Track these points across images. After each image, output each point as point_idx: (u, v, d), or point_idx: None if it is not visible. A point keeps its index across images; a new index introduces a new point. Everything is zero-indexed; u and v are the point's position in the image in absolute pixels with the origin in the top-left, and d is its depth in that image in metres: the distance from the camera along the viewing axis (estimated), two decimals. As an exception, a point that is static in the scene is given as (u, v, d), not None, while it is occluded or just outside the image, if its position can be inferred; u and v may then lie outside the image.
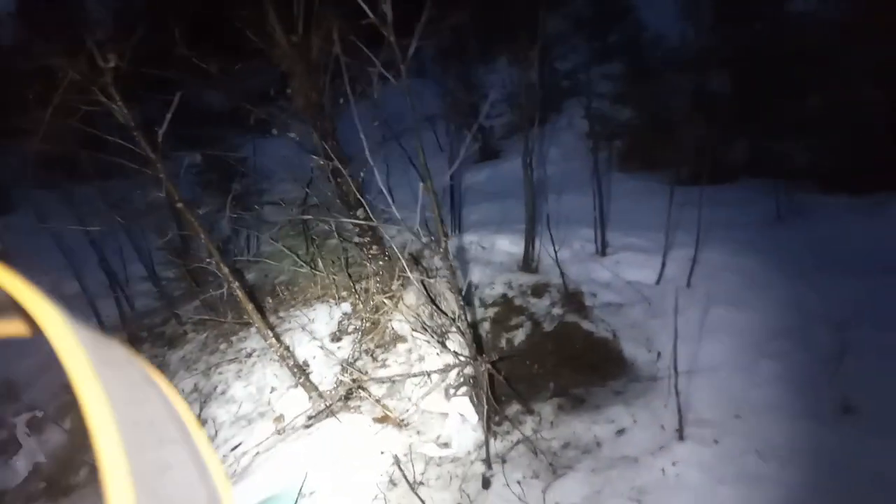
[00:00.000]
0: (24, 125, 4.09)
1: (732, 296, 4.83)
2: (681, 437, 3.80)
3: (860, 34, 7.03)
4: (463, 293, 4.02)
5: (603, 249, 5.77)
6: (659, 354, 4.58)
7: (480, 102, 10.33)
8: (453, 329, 4.41)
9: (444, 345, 4.47)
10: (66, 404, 5.80)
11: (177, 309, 6.69)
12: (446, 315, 4.30)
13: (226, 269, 4.11)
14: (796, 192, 6.11)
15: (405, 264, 3.98)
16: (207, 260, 4.30)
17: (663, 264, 5.20)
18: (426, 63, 11.43)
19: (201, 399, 5.44)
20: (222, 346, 6.01)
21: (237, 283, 4.19)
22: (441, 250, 3.73)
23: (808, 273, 4.82)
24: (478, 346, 4.26)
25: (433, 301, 4.46)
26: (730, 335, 4.48)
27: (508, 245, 6.11)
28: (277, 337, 4.78)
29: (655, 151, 8.31)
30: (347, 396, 4.90)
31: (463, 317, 3.98)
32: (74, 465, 5.27)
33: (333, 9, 5.34)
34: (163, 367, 6.02)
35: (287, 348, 4.85)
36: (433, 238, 4.02)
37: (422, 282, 4.25)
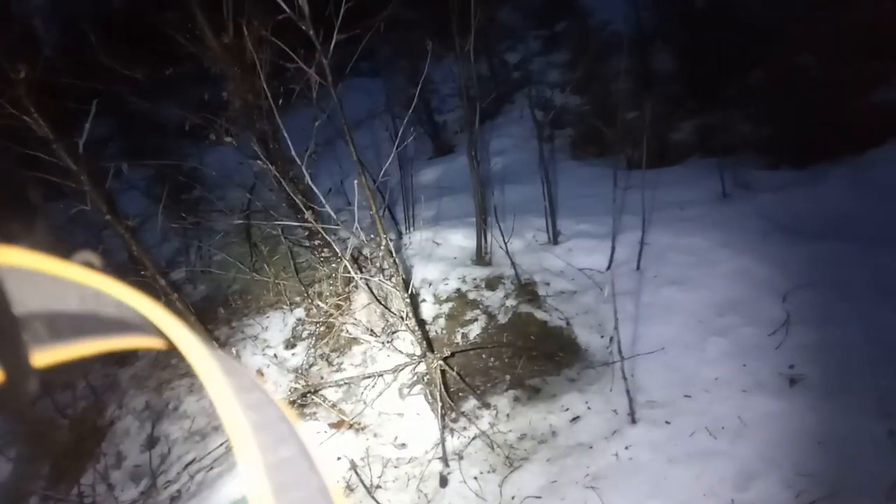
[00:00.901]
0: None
1: (681, 275, 4.85)
2: (633, 421, 3.80)
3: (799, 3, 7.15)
4: (409, 290, 3.95)
5: (555, 238, 5.75)
6: (611, 339, 4.57)
7: (432, 97, 10.27)
8: (402, 327, 4.34)
9: (392, 344, 4.40)
10: (18, 432, 5.58)
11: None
12: (394, 314, 4.22)
13: (162, 282, 3.99)
14: (742, 168, 6.17)
15: (348, 265, 3.90)
16: (142, 272, 4.17)
17: (613, 249, 5.20)
18: (379, 61, 11.32)
19: (153, 417, 5.27)
20: (174, 361, 5.83)
21: (176, 295, 4.05)
22: (382, 248, 3.66)
23: (754, 246, 4.86)
24: (428, 342, 4.20)
25: (379, 301, 4.38)
26: (679, 314, 4.49)
27: (462, 239, 6.06)
28: (222, 347, 4.65)
29: (606, 137, 8.35)
30: (303, 404, 4.80)
31: (411, 314, 3.92)
32: (25, 495, 5.07)
33: (264, 7, 5.23)
34: (113, 386, 5.84)
35: (238, 359, 4.72)
36: (374, 236, 3.95)
37: (366, 282, 4.16)
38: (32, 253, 0.43)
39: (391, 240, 6.03)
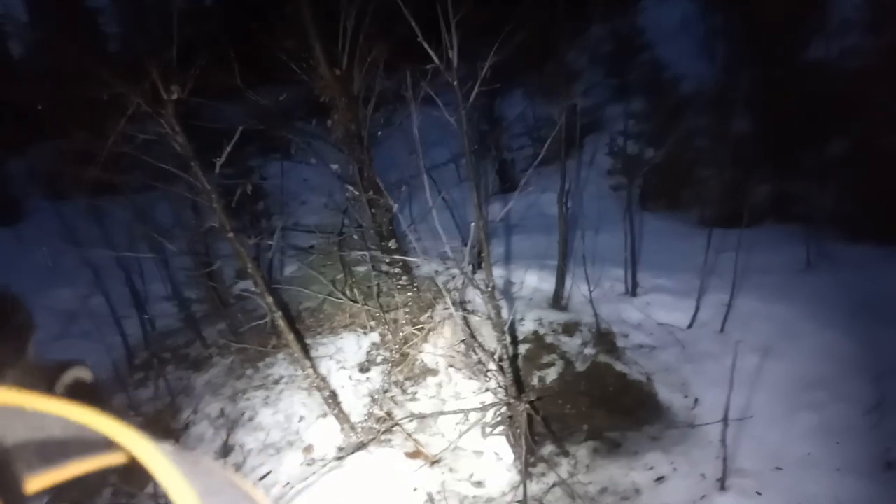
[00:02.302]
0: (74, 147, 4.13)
1: (766, 343, 4.84)
2: (723, 488, 3.79)
3: (882, 81, 7.17)
4: (505, 331, 4.04)
5: (633, 290, 5.79)
6: (696, 401, 4.58)
7: (502, 135, 10.46)
8: (492, 366, 4.41)
9: (485, 382, 4.48)
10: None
11: (201, 331, 6.68)
12: (487, 352, 4.31)
13: (270, 299, 4.14)
14: (822, 238, 6.17)
15: (449, 300, 4.00)
16: (247, 289, 4.33)
17: (697, 308, 5.23)
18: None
19: (228, 425, 5.41)
20: (248, 372, 5.99)
21: (280, 314, 4.20)
22: (488, 289, 3.76)
23: (841, 322, 4.85)
24: (518, 384, 4.26)
25: (474, 337, 4.47)
26: (765, 384, 4.49)
27: (537, 281, 6.13)
28: (315, 366, 4.78)
29: (679, 191, 8.40)
30: (378, 430, 4.88)
31: (505, 355, 4.00)
32: (99, 486, 5.22)
33: (379, 41, 5.47)
34: (188, 390, 6.00)
35: (323, 378, 4.84)
36: (471, 273, 4.06)
37: (464, 318, 4.26)
38: (16, 388, 0.48)
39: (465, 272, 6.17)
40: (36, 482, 0.44)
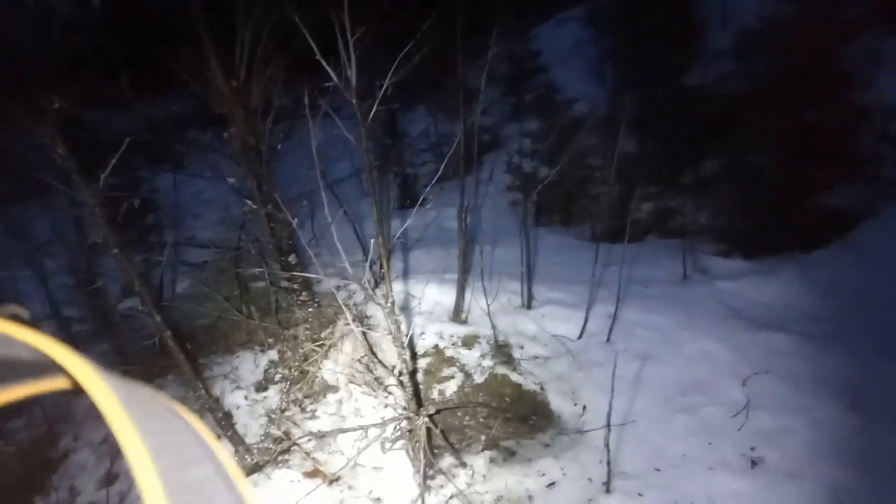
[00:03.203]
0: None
1: (647, 351, 5.19)
2: (608, 490, 4.02)
3: (755, 106, 7.93)
4: (405, 347, 4.09)
5: (529, 303, 6.02)
6: (584, 408, 4.82)
7: (405, 151, 10.57)
8: (391, 381, 4.44)
9: (384, 397, 4.50)
10: None
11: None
12: (387, 368, 4.33)
13: (158, 318, 3.96)
14: (699, 253, 6.71)
15: (348, 315, 4.00)
16: (135, 307, 4.11)
17: (586, 319, 5.52)
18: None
19: (112, 452, 5.09)
20: (135, 394, 5.67)
21: (169, 333, 4.03)
22: (388, 305, 3.81)
23: (714, 330, 5.29)
24: (417, 399, 4.32)
25: (373, 353, 4.49)
26: (646, 389, 4.80)
27: (438, 295, 6.24)
28: (207, 387, 4.61)
29: (571, 207, 8.84)
30: (275, 450, 4.77)
31: (405, 369, 4.05)
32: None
33: (277, 55, 5.40)
34: (67, 415, 5.59)
35: (216, 400, 4.68)
36: (371, 288, 4.08)
37: (363, 333, 4.27)
38: None
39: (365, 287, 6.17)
40: None
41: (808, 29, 7.47)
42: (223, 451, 0.54)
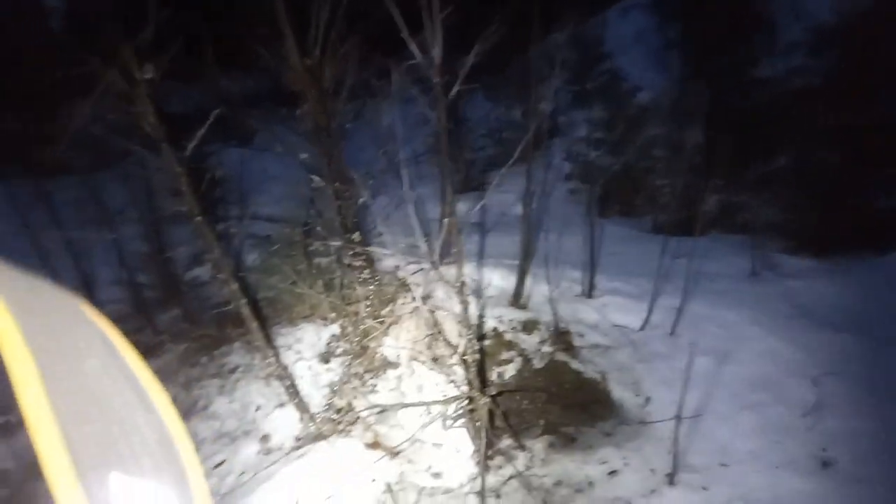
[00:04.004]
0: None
1: (714, 347, 5.09)
2: (671, 483, 3.98)
3: (826, 101, 7.62)
4: (472, 327, 4.12)
5: (590, 292, 5.97)
6: (647, 399, 4.77)
7: (464, 135, 10.57)
8: (455, 360, 4.49)
9: (448, 376, 4.55)
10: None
11: (153, 317, 6.51)
12: (452, 347, 4.38)
13: (235, 286, 4.09)
14: (766, 249, 6.51)
15: (418, 294, 4.05)
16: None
17: (650, 311, 5.44)
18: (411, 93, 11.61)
19: (181, 413, 5.29)
20: (203, 360, 5.88)
21: (244, 300, 4.16)
22: (459, 284, 3.84)
23: (784, 328, 5.16)
24: (482, 379, 4.36)
25: (441, 333, 4.54)
26: (713, 385, 4.71)
27: (498, 279, 6.25)
28: (277, 356, 4.75)
29: (633, 198, 8.69)
30: (336, 420, 4.89)
31: (470, 350, 4.08)
32: (42, 471, 5.04)
33: (352, 35, 5.46)
34: (138, 376, 5.85)
35: (284, 368, 4.82)
36: (434, 266, 4.13)
37: (431, 312, 4.32)
38: None
39: (425, 269, 6.23)
40: None
41: (885, 23, 7.13)
42: (129, 350, 0.55)
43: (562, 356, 5.25)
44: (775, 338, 5.09)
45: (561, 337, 5.45)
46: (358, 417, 4.76)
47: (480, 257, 6.82)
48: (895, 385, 4.38)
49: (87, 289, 6.71)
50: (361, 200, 5.90)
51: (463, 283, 3.83)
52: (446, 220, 3.75)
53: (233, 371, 5.69)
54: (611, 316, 5.68)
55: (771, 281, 5.93)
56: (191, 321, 6.24)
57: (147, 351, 6.19)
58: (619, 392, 4.91)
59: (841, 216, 6.56)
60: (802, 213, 7.16)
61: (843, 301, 5.49)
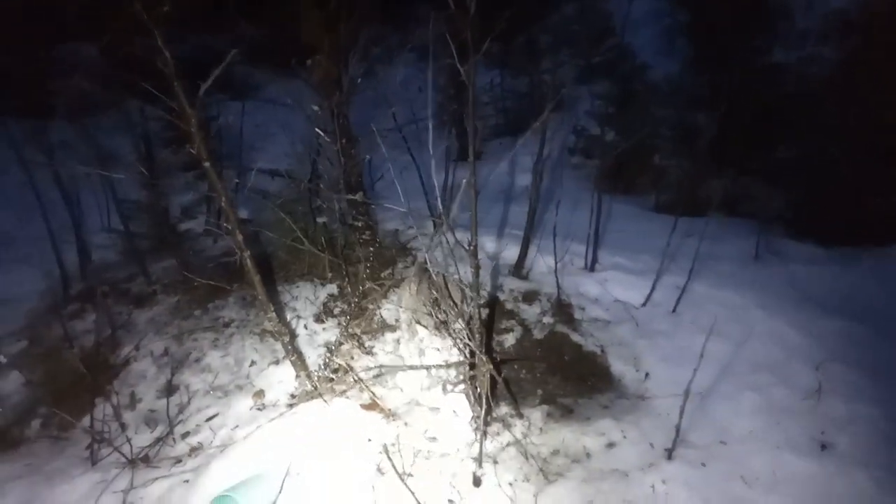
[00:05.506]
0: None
1: (717, 326, 5.06)
2: (670, 457, 3.98)
3: (836, 93, 7.55)
4: (478, 292, 4.04)
5: (592, 266, 5.92)
6: (647, 375, 4.76)
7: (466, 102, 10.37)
8: (459, 325, 4.42)
9: (454, 340, 4.48)
10: (28, 353, 5.44)
11: (146, 266, 6.36)
12: (456, 311, 4.31)
13: (240, 238, 3.96)
14: (770, 234, 6.50)
15: (427, 258, 3.96)
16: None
17: (653, 287, 5.41)
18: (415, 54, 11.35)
19: (173, 364, 5.20)
20: (196, 312, 5.77)
21: (248, 253, 4.04)
22: (472, 248, 3.75)
23: (787, 311, 5.16)
24: (486, 345, 4.30)
25: (449, 296, 4.46)
26: (714, 364, 4.69)
27: (498, 248, 6.18)
28: (279, 312, 4.64)
29: (637, 177, 8.61)
30: (333, 379, 4.82)
31: (475, 315, 4.01)
32: (28, 416, 4.95)
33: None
34: (129, 325, 5.73)
35: (284, 324, 4.72)
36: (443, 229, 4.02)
37: (442, 276, 4.23)
38: None
39: (426, 234, 6.13)
40: None
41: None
42: None
43: (562, 328, 5.21)
44: (779, 321, 5.09)
45: (562, 309, 5.41)
46: (355, 378, 4.69)
47: (480, 226, 6.73)
48: None
49: (78, 232, 6.53)
50: (367, 158, 5.77)
51: (475, 246, 3.73)
52: (464, 181, 3.63)
53: (227, 325, 5.59)
54: (613, 291, 5.64)
55: (775, 265, 5.93)
56: (184, 273, 6.10)
57: (138, 301, 6.06)
58: (618, 366, 4.89)
59: (844, 208, 6.55)
60: (806, 202, 7.15)
61: (847, 289, 5.51)
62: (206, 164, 3.72)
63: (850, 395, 4.29)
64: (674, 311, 5.30)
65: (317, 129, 5.44)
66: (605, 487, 3.85)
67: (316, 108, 5.05)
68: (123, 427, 4.77)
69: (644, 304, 5.44)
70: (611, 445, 4.17)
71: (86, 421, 4.73)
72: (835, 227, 6.43)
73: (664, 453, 4.00)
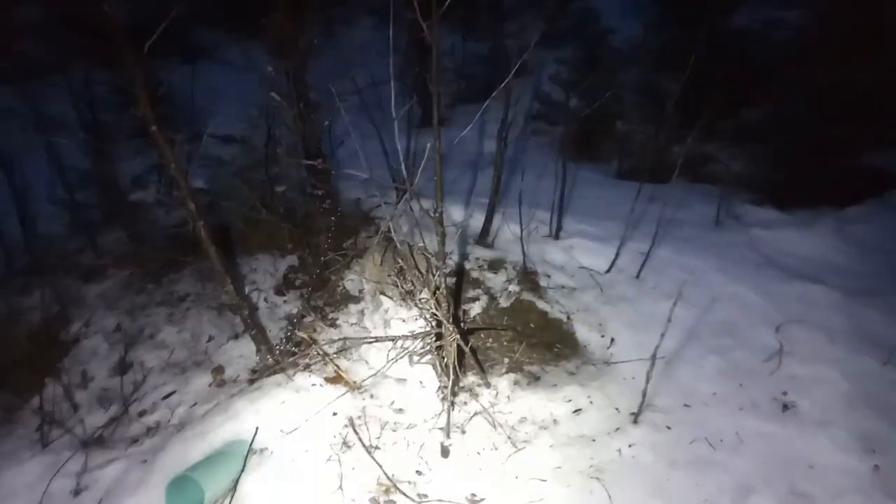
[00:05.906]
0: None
1: (678, 291, 5.10)
2: (635, 422, 4.01)
3: (802, 57, 7.60)
4: (444, 261, 3.95)
5: (557, 233, 5.89)
6: (612, 340, 4.77)
7: (430, 69, 10.14)
8: (425, 295, 4.33)
9: (421, 310, 4.40)
10: None
11: (93, 238, 6.06)
12: (422, 281, 4.21)
13: (193, 206, 3.76)
14: (731, 199, 6.56)
15: (392, 226, 3.84)
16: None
17: (617, 254, 5.41)
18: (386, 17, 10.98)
19: (126, 341, 4.99)
20: (149, 287, 5.54)
21: (202, 223, 3.85)
22: (437, 214, 3.64)
23: (749, 276, 5.23)
24: (454, 316, 4.22)
25: (416, 266, 4.36)
26: (677, 328, 4.70)
27: (461, 216, 6.09)
28: (237, 284, 4.47)
29: (600, 143, 8.57)
30: (296, 353, 4.70)
31: (442, 284, 3.92)
32: None
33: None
34: (78, 301, 5.46)
35: (244, 297, 4.56)
36: (406, 196, 3.91)
37: (408, 245, 4.12)
38: None
39: (387, 203, 5.99)
40: None
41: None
42: None
43: (528, 296, 5.17)
44: (740, 285, 5.15)
45: (528, 277, 5.37)
46: (319, 351, 4.57)
47: (448, 194, 6.61)
48: (856, 335, 4.52)
49: (19, 202, 6.16)
50: (327, 124, 5.57)
51: (441, 213, 3.62)
52: (428, 146, 3.49)
53: (182, 299, 5.38)
54: (578, 258, 5.63)
55: (736, 230, 6.00)
56: (136, 245, 5.84)
57: (88, 275, 5.79)
58: (584, 333, 4.89)
59: (807, 172, 6.64)
60: (769, 167, 7.23)
61: (806, 252, 5.61)
62: (153, 129, 3.50)
63: (810, 357, 4.38)
64: (637, 276, 5.32)
65: (272, 93, 5.19)
66: (572, 453, 3.86)
67: (270, 69, 4.80)
68: (76, 407, 4.58)
69: (608, 271, 5.44)
70: (577, 411, 4.18)
71: (35, 401, 4.52)
72: (794, 191, 6.52)
73: (630, 417, 4.03)
